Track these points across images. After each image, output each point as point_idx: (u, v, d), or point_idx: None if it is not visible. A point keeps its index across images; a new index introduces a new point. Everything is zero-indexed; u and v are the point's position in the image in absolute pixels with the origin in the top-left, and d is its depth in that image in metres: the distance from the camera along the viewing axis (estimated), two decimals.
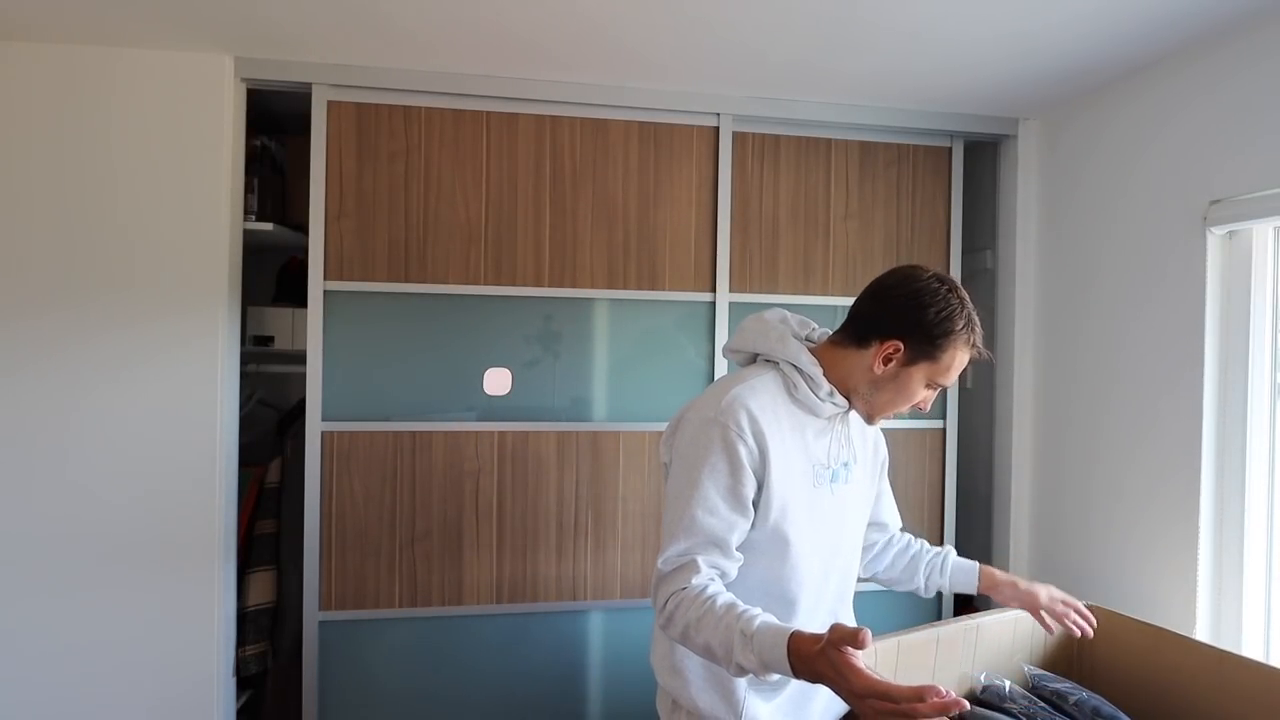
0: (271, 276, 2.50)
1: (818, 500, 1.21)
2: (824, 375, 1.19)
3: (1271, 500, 1.68)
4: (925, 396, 1.21)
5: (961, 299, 1.16)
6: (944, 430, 2.32)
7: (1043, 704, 1.49)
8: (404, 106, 2.01)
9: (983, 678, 1.53)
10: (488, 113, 2.05)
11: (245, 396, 2.12)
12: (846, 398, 1.21)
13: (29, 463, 1.82)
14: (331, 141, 1.98)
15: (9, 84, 1.81)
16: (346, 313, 2.00)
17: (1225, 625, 1.71)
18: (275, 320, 2.28)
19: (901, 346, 1.14)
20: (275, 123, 2.32)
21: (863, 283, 2.22)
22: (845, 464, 1.26)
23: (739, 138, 2.17)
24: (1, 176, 1.80)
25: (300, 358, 2.01)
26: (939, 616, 2.30)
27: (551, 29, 1.72)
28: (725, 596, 1.05)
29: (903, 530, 1.53)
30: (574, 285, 2.09)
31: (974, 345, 1.17)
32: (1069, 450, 2.13)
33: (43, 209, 1.82)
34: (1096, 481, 2.02)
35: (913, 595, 2.27)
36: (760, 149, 2.19)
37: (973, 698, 1.55)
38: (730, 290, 2.16)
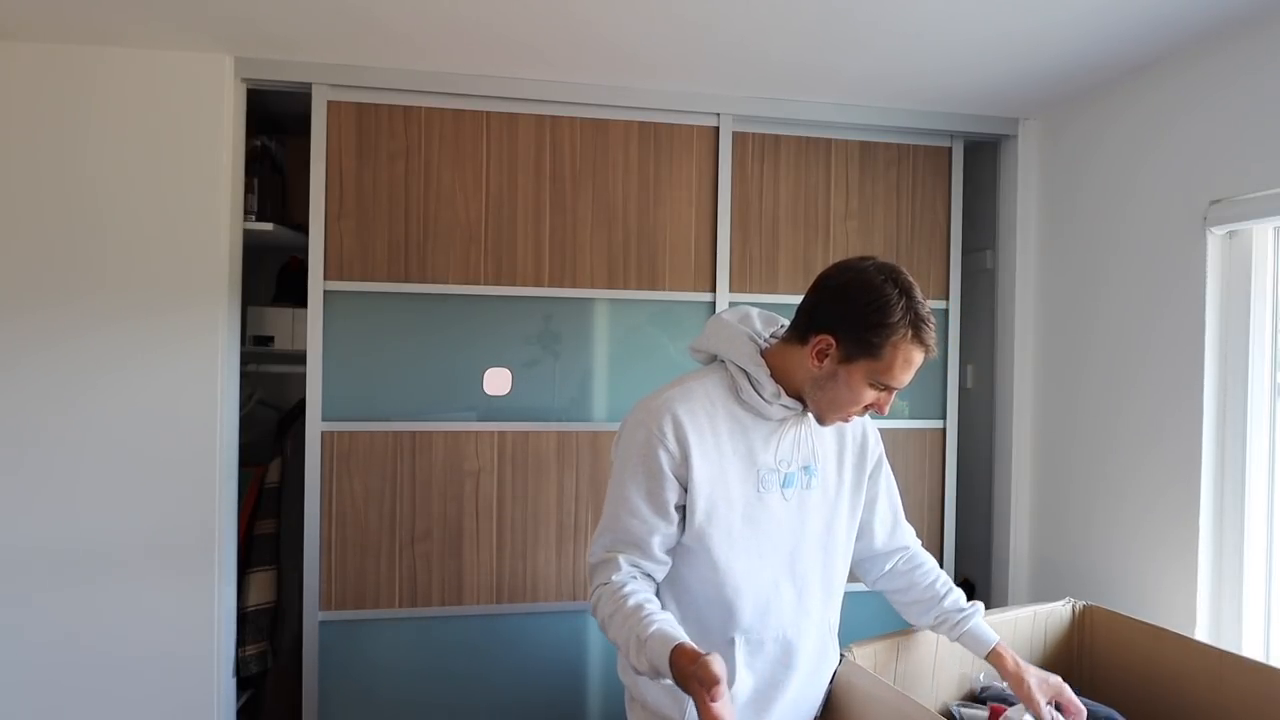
0: (271, 276, 2.50)
1: (765, 505, 1.17)
2: (771, 376, 1.14)
3: (1271, 500, 1.68)
4: (876, 399, 1.12)
5: (904, 291, 1.07)
6: (944, 430, 2.32)
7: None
8: (404, 106, 2.01)
9: (981, 677, 1.53)
10: (488, 113, 2.05)
11: (245, 396, 2.12)
12: (800, 398, 1.16)
13: (29, 462, 1.82)
14: (331, 141, 1.98)
15: (9, 84, 1.81)
16: (346, 313, 2.00)
17: (1225, 625, 1.71)
18: (275, 320, 2.28)
19: (833, 342, 1.09)
20: (275, 123, 2.32)
21: None
22: (806, 468, 1.20)
23: (739, 138, 2.17)
24: (0, 175, 1.81)
25: (300, 358, 2.01)
26: None
27: (552, 29, 1.72)
28: (637, 596, 1.06)
29: (926, 556, 1.45)
30: (574, 285, 2.09)
31: (922, 342, 1.08)
32: (1069, 450, 2.13)
33: (42, 209, 1.82)
34: (1096, 481, 2.02)
35: None
36: (760, 149, 2.19)
37: (972, 698, 1.55)
38: (730, 290, 2.16)
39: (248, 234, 2.02)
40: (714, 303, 2.15)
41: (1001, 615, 1.64)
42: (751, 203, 2.19)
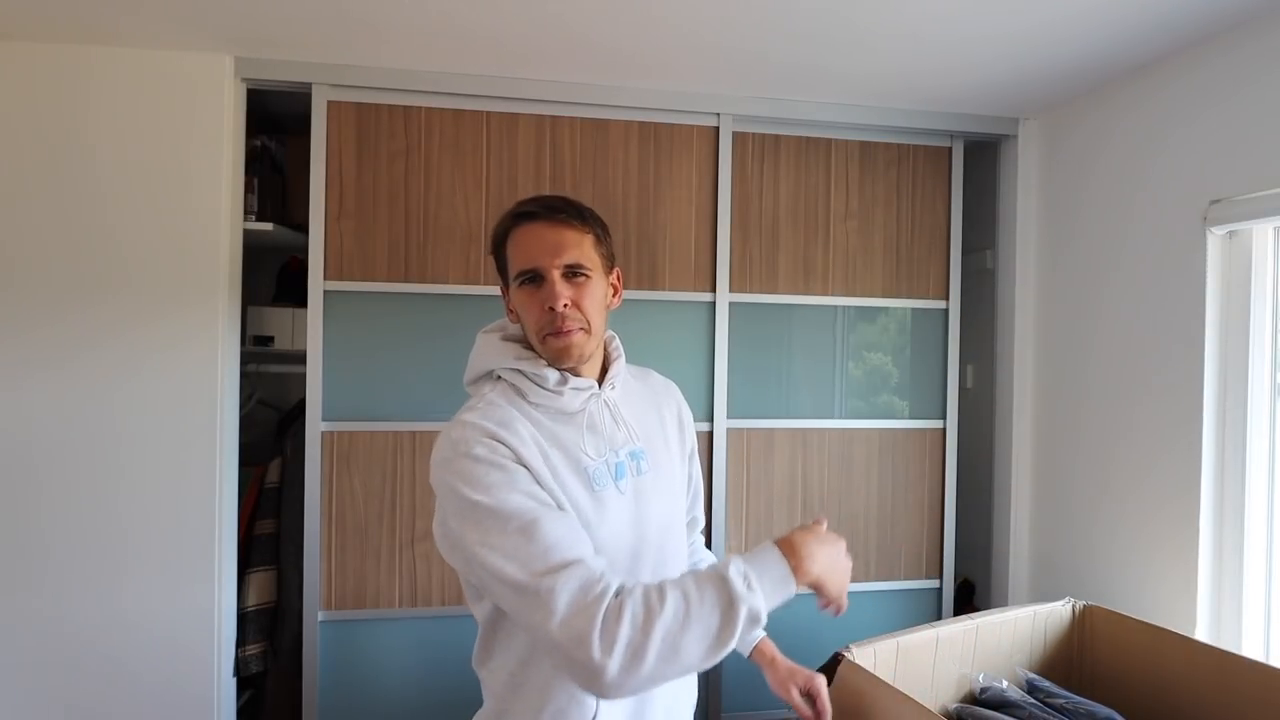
0: (271, 276, 2.50)
1: (604, 505, 1.01)
2: (550, 364, 1.03)
3: (1271, 500, 1.68)
4: (541, 298, 1.00)
5: (514, 208, 1.05)
6: (944, 430, 2.32)
7: (1039, 704, 1.49)
8: (404, 106, 2.01)
9: (981, 679, 1.53)
10: (488, 113, 2.05)
11: (245, 396, 2.12)
12: (578, 372, 1.05)
13: (29, 461, 1.82)
14: (331, 141, 1.98)
15: (8, 84, 1.81)
16: (346, 313, 2.00)
17: (1225, 625, 1.71)
18: (275, 320, 2.28)
19: (503, 283, 1.07)
20: (275, 123, 2.32)
21: (863, 283, 2.25)
22: (633, 453, 1.07)
23: (739, 138, 2.17)
24: (0, 176, 1.81)
25: (300, 358, 2.01)
26: (939, 617, 2.30)
27: (552, 29, 1.72)
28: (650, 586, 0.86)
29: (707, 552, 1.36)
30: None
31: (522, 215, 1.03)
32: (1069, 450, 2.13)
33: (42, 209, 1.82)
34: (1096, 481, 2.02)
35: (913, 594, 2.29)
36: (760, 149, 2.19)
37: (972, 699, 1.55)
38: (730, 290, 2.16)
39: (248, 234, 2.02)
40: (714, 303, 2.14)
41: (1001, 615, 1.64)
42: (751, 203, 2.19)
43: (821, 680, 1.24)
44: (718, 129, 2.14)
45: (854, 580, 2.37)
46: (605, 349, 1.12)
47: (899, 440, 2.28)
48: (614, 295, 1.09)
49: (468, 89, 1.99)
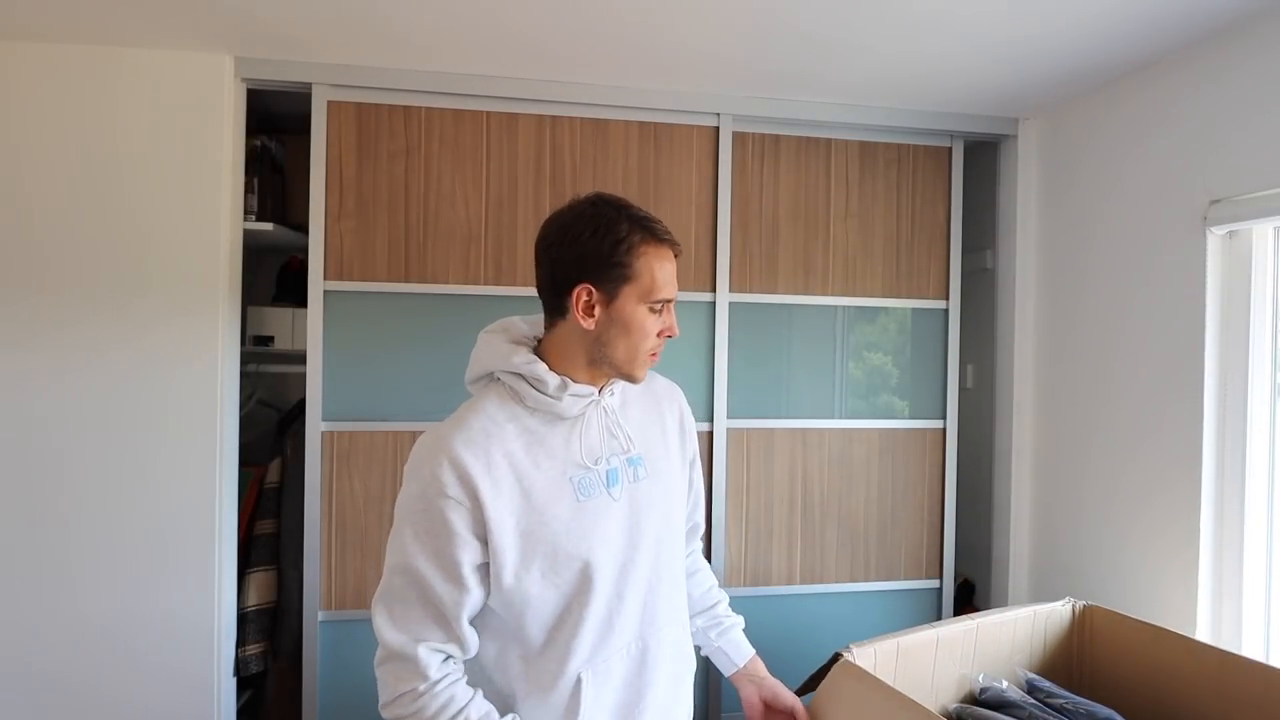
0: (271, 276, 2.50)
1: (592, 513, 1.02)
2: (551, 369, 1.03)
3: (1272, 499, 1.68)
4: (664, 324, 1.04)
5: (616, 206, 1.03)
6: (944, 430, 2.32)
7: (1039, 704, 1.49)
8: (404, 106, 2.01)
9: (981, 679, 1.53)
10: (488, 113, 2.05)
11: (245, 396, 2.12)
12: (592, 381, 1.06)
13: (28, 461, 1.82)
14: (331, 141, 1.98)
15: (9, 84, 1.81)
16: (346, 313, 2.00)
17: (1225, 624, 1.71)
18: (275, 320, 2.28)
19: (590, 288, 1.00)
20: (275, 123, 2.32)
21: (863, 282, 2.25)
22: (630, 459, 1.08)
23: (739, 138, 2.17)
24: (1, 176, 1.81)
25: (300, 358, 2.01)
26: (939, 617, 2.30)
27: (550, 28, 1.72)
28: (471, 712, 0.96)
29: (705, 563, 1.34)
30: None
31: (660, 239, 1.03)
32: (1069, 450, 2.13)
33: (42, 209, 1.82)
34: (1096, 481, 2.02)
35: (913, 594, 2.29)
36: (760, 149, 2.19)
37: (972, 699, 1.55)
38: (730, 290, 2.16)
39: (248, 234, 2.02)
40: (714, 303, 2.14)
41: (1001, 615, 1.64)
42: (751, 202, 2.19)
43: (803, 712, 1.25)
44: (718, 129, 2.14)
45: (854, 580, 2.37)
46: None
47: (899, 440, 2.28)
48: None
49: (468, 89, 1.99)
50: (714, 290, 2.15)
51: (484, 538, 0.96)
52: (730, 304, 2.16)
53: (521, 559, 0.98)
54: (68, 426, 1.84)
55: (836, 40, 1.74)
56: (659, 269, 1.02)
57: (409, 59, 1.91)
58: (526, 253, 2.06)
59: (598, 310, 1.01)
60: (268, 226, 2.08)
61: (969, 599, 2.48)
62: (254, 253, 2.17)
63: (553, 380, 1.01)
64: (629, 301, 1.01)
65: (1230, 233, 1.70)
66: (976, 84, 2.00)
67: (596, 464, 1.04)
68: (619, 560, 1.05)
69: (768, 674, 1.27)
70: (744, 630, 1.31)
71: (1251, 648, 1.67)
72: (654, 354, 1.06)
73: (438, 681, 0.96)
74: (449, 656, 0.99)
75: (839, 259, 2.25)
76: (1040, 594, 2.22)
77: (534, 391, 1.02)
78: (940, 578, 2.30)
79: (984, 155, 2.45)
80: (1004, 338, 2.33)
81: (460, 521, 0.95)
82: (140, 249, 1.86)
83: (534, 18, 1.66)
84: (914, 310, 2.30)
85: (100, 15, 1.68)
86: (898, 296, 2.28)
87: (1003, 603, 2.30)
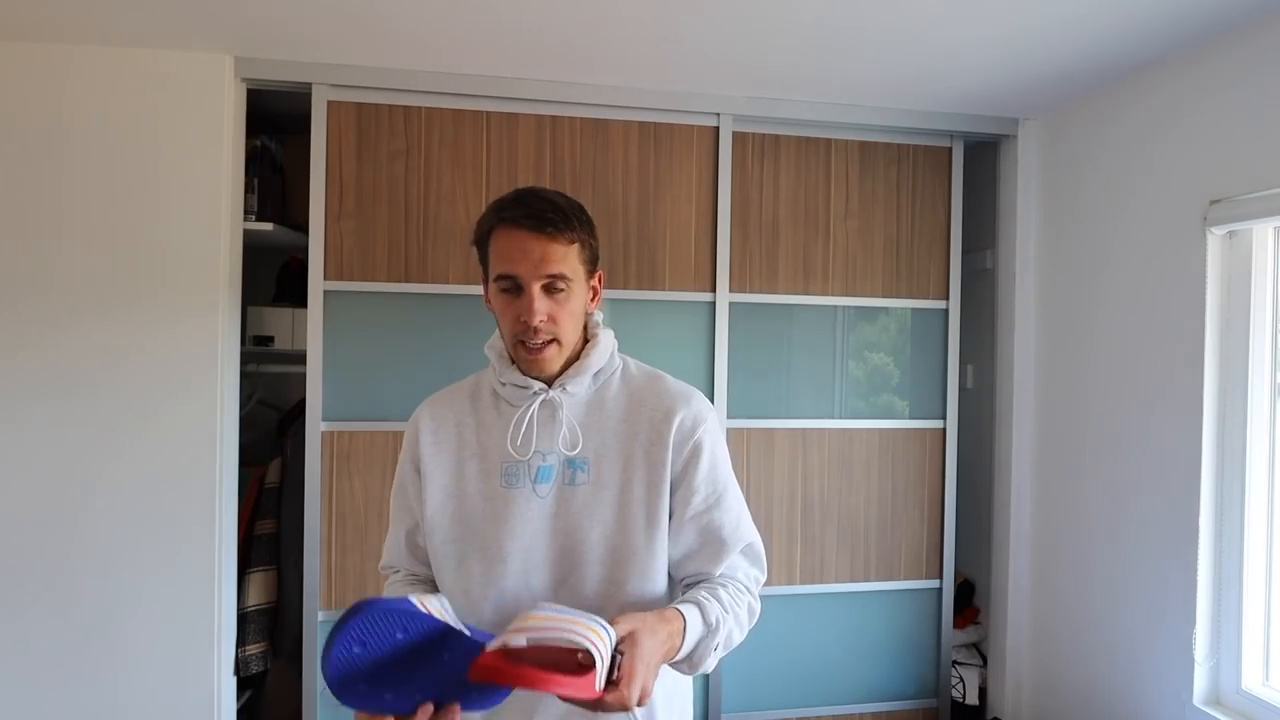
0: (271, 276, 2.50)
1: (509, 503, 1.01)
2: (507, 356, 1.06)
3: (1272, 499, 1.68)
4: (517, 306, 0.99)
5: (514, 192, 1.02)
6: (944, 430, 2.32)
7: None
8: (404, 106, 2.01)
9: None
10: (488, 113, 2.04)
11: (245, 396, 2.12)
12: (541, 376, 1.03)
13: (28, 462, 1.82)
14: (331, 141, 1.98)
15: (8, 84, 1.81)
16: (346, 313, 2.00)
17: (1225, 624, 1.71)
18: (275, 320, 2.28)
19: (483, 273, 1.06)
20: (275, 123, 2.32)
21: (863, 282, 2.25)
22: (571, 462, 1.01)
23: (739, 138, 2.17)
24: (0, 176, 1.80)
25: (300, 358, 2.01)
26: (939, 617, 2.30)
27: (550, 28, 1.71)
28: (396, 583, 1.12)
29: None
30: None
31: (504, 217, 0.98)
32: (1069, 450, 2.13)
33: (42, 208, 1.82)
34: (1096, 481, 2.02)
35: (913, 594, 2.29)
36: (760, 149, 2.19)
37: None
38: (730, 290, 2.16)
39: (248, 234, 2.02)
40: (714, 303, 2.14)
41: None
42: (751, 202, 2.19)
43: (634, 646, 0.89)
44: (718, 129, 2.14)
45: (854, 580, 2.37)
46: (583, 343, 1.07)
47: (899, 440, 2.28)
48: (593, 299, 1.07)
49: (468, 89, 1.99)
50: (714, 290, 2.15)
51: (419, 470, 1.07)
52: (730, 304, 2.16)
53: (439, 512, 1.05)
54: (67, 426, 1.84)
55: (836, 40, 1.74)
56: (500, 247, 0.99)
57: (409, 59, 1.91)
58: None
59: (488, 296, 1.06)
60: (268, 226, 2.08)
61: (969, 599, 2.48)
62: (254, 253, 2.16)
63: (497, 365, 1.07)
64: (491, 283, 1.03)
65: (1230, 233, 1.70)
66: (976, 84, 2.00)
67: (528, 457, 1.02)
68: (540, 559, 1.00)
69: (654, 624, 0.89)
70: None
71: (1251, 646, 1.67)
72: (525, 343, 1.00)
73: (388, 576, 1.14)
74: (411, 573, 1.13)
75: (839, 259, 2.24)
76: (1040, 594, 2.23)
77: (493, 376, 1.09)
78: (940, 578, 2.30)
79: (984, 155, 2.44)
80: (1004, 338, 2.33)
81: (408, 472, 1.09)
82: (140, 249, 1.86)
83: (534, 18, 1.66)
84: (914, 310, 2.30)
85: (100, 15, 1.68)
86: (898, 296, 2.28)
87: (1003, 602, 2.30)
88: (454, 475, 1.05)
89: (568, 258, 0.98)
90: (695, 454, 1.04)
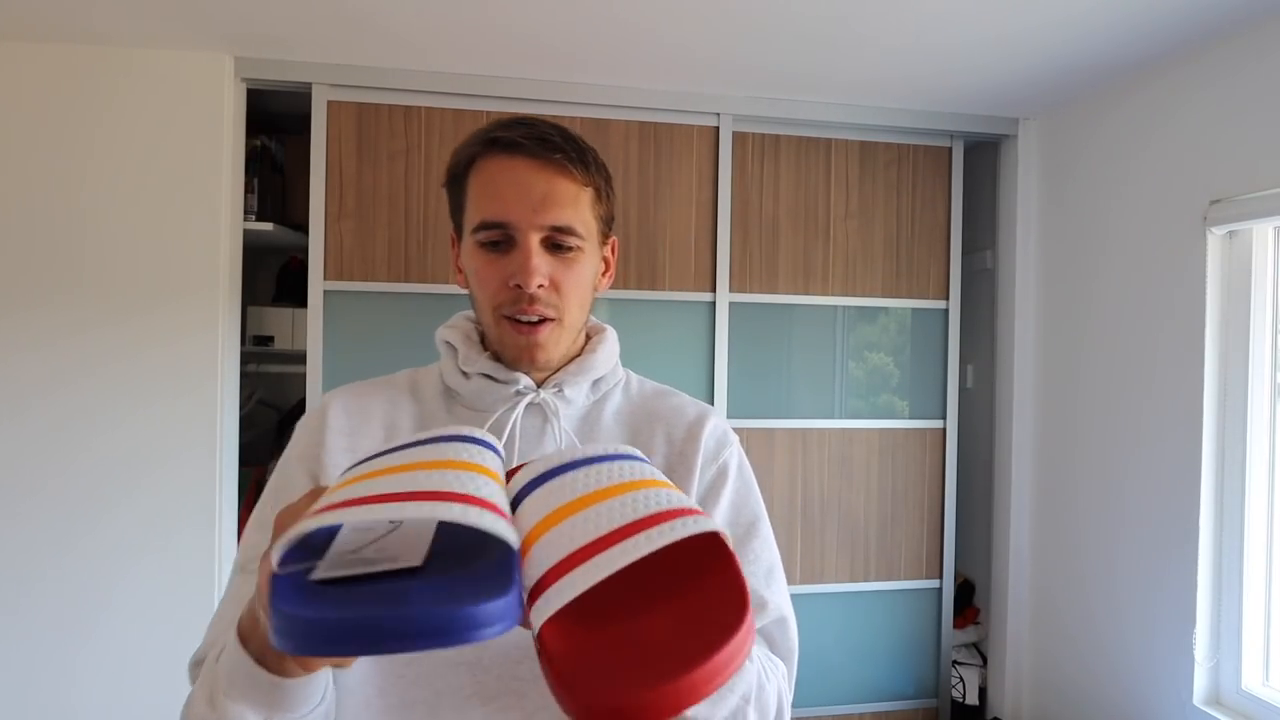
0: (271, 276, 2.50)
1: None
2: (483, 341, 0.76)
3: (1272, 499, 1.68)
4: (505, 265, 0.69)
5: (494, 122, 0.72)
6: (944, 430, 2.32)
7: None
8: (404, 106, 2.01)
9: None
10: (488, 113, 2.04)
11: (245, 396, 2.12)
12: (530, 370, 0.73)
13: (28, 462, 1.82)
14: (331, 141, 1.98)
15: (8, 84, 1.81)
16: (346, 313, 2.00)
17: (1225, 623, 1.71)
18: (275, 320, 2.28)
19: (453, 234, 0.76)
20: (275, 123, 2.32)
21: (863, 282, 2.25)
22: None
23: (739, 138, 2.17)
24: (1, 176, 1.80)
25: (300, 358, 2.01)
26: (939, 616, 2.30)
27: (550, 28, 1.72)
28: None
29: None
30: None
31: (496, 142, 0.70)
32: (1069, 450, 2.13)
33: (42, 208, 1.82)
34: (1096, 480, 2.02)
35: (913, 594, 2.28)
36: (760, 149, 2.19)
37: None
38: (730, 290, 2.16)
39: (248, 234, 2.02)
40: (714, 303, 2.14)
41: None
42: (751, 203, 2.19)
43: None
44: (718, 129, 2.14)
45: (854, 580, 2.37)
46: (583, 341, 0.79)
47: (899, 440, 2.28)
48: (604, 274, 0.78)
49: (468, 89, 1.99)
50: (714, 290, 2.15)
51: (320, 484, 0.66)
52: (730, 304, 2.16)
53: None
54: (67, 426, 1.84)
55: (836, 40, 1.74)
56: (485, 182, 0.69)
57: (409, 59, 1.91)
58: None
59: (460, 262, 0.75)
60: (268, 226, 2.08)
61: (969, 599, 2.48)
62: (254, 253, 2.16)
63: (464, 351, 0.75)
64: (466, 240, 0.72)
65: (1230, 233, 1.70)
66: (976, 84, 2.00)
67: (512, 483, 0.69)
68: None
69: None
70: None
71: (1251, 646, 1.67)
72: (514, 319, 0.70)
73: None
74: None
75: (839, 259, 2.25)
76: (1040, 594, 2.22)
77: (452, 365, 0.76)
78: (940, 578, 2.30)
79: (984, 155, 2.45)
80: (1004, 338, 2.33)
81: (302, 475, 0.70)
82: (140, 249, 1.86)
83: (534, 18, 1.66)
84: (914, 310, 2.30)
85: (100, 15, 1.68)
86: (898, 296, 2.28)
87: (1003, 602, 2.30)
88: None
89: (579, 204, 0.71)
90: (721, 478, 0.76)
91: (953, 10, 1.58)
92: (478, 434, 0.49)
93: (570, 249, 0.70)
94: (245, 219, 2.02)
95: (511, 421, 0.71)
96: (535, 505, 0.47)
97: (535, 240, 0.68)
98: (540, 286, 0.68)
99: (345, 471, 0.49)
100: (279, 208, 2.25)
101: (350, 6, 1.62)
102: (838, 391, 2.26)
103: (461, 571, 0.42)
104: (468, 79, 1.99)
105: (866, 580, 2.26)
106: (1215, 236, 1.70)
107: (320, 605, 0.39)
